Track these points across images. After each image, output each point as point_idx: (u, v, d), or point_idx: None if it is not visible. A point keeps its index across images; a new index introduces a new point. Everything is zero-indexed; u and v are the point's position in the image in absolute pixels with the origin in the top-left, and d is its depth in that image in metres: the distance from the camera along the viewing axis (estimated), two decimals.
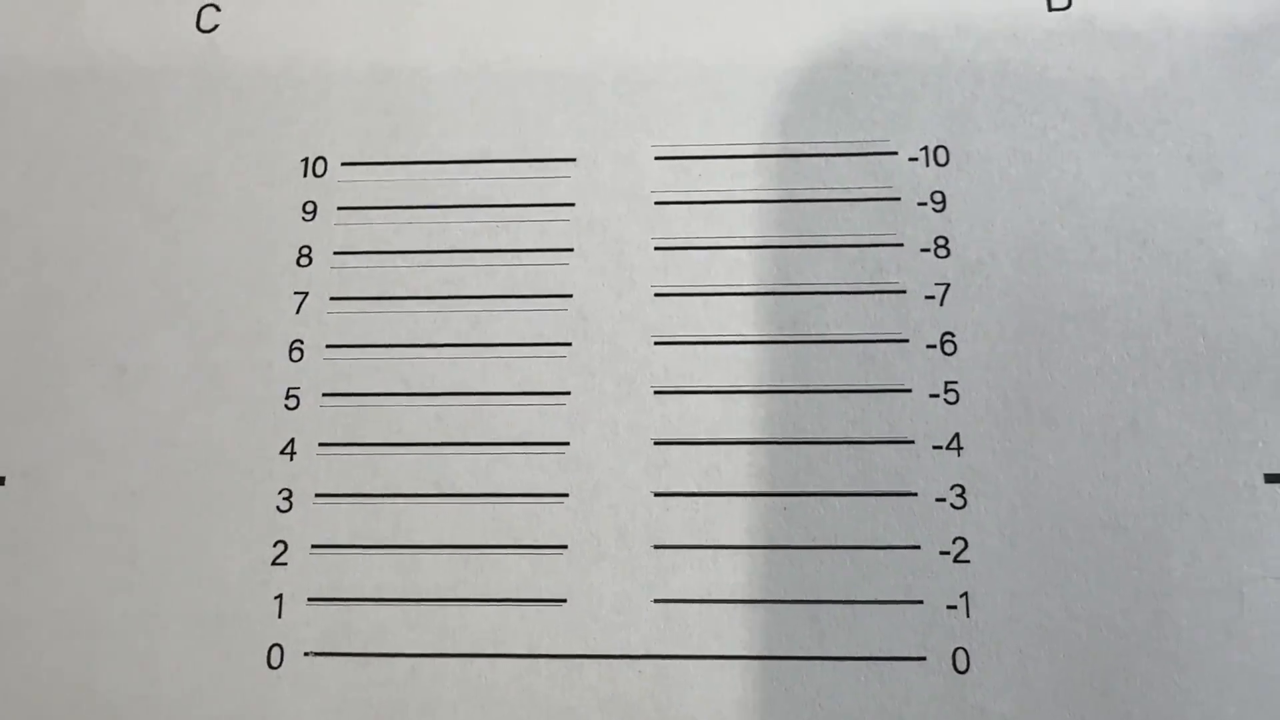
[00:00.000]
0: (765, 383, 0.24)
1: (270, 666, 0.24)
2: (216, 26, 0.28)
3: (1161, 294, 0.24)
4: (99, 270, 0.26)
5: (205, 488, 0.25)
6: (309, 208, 0.26)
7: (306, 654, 0.24)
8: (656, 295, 0.25)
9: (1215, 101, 0.25)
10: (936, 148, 0.26)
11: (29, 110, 0.27)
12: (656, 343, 0.25)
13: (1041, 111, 0.26)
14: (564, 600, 0.24)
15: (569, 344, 0.25)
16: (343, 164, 0.26)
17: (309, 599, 0.24)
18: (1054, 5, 0.26)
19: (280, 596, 0.24)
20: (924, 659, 0.23)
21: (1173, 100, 0.26)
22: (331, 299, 0.25)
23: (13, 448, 0.25)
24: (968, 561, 0.23)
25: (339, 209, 0.26)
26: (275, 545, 0.24)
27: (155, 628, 0.24)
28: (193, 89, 0.27)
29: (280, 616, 0.24)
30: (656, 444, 0.24)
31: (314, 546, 0.24)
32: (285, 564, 0.24)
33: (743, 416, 0.24)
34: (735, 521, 0.24)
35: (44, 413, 0.25)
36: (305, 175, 0.26)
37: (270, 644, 0.24)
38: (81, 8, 0.28)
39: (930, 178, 0.25)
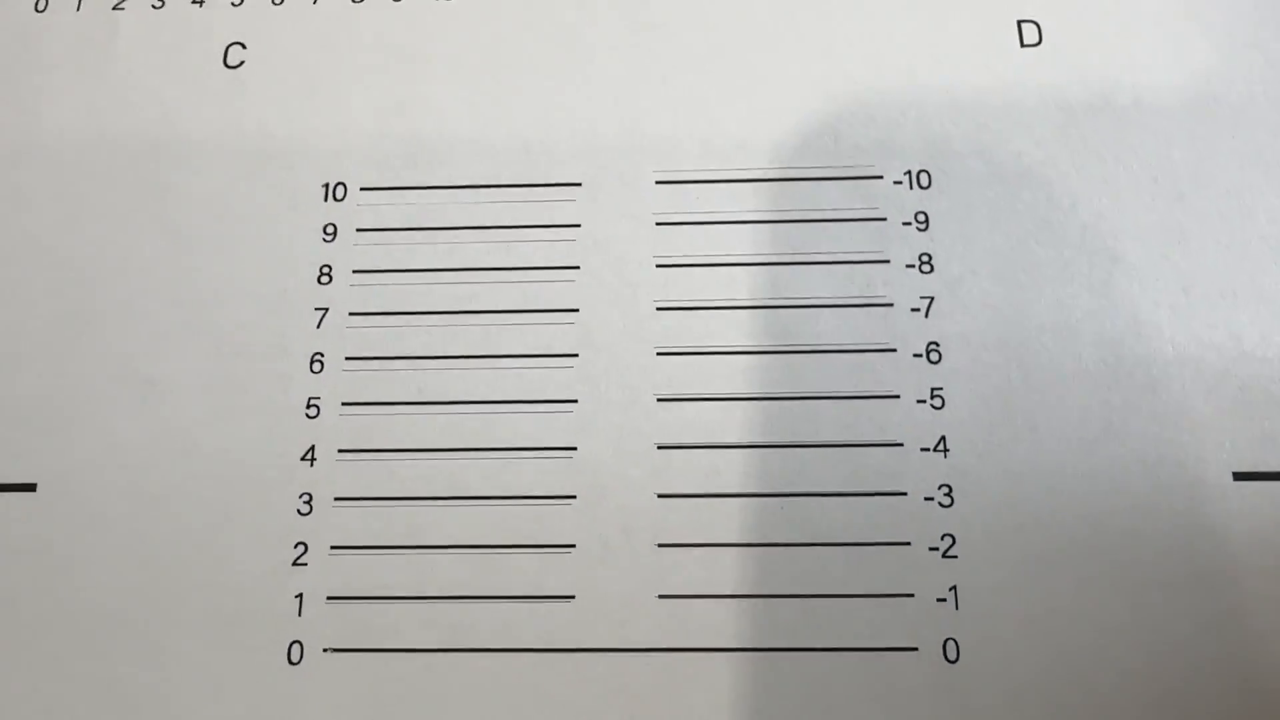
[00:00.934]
0: (761, 390, 0.26)
1: (290, 662, 0.25)
2: (242, 63, 0.29)
3: (1132, 306, 0.26)
4: (126, 290, 0.27)
5: (228, 493, 0.26)
6: (329, 229, 0.28)
7: (325, 650, 0.25)
8: (658, 309, 0.27)
9: (1176, 129, 0.27)
10: (919, 171, 0.27)
11: (60, 139, 0.29)
12: (658, 354, 0.26)
13: (1016, 138, 0.27)
14: (572, 597, 0.25)
15: (576, 355, 0.26)
16: (362, 189, 0.28)
17: (328, 597, 0.25)
18: (1025, 41, 0.28)
19: (300, 596, 0.25)
20: (916, 650, 0.24)
21: (1137, 128, 0.27)
22: (350, 314, 0.27)
23: (44, 457, 0.26)
24: (956, 557, 0.25)
25: (358, 230, 0.28)
26: (296, 547, 0.25)
27: (179, 626, 0.25)
28: (218, 120, 0.29)
29: (300, 614, 0.25)
30: (659, 448, 0.26)
31: (333, 548, 0.25)
32: (305, 564, 0.25)
33: (740, 422, 0.26)
34: (734, 521, 0.25)
35: (73, 424, 0.26)
36: (326, 199, 0.28)
37: (290, 641, 0.25)
38: (113, 43, 0.30)
39: (914, 199, 0.27)
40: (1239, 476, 0.25)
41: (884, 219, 0.27)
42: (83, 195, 0.28)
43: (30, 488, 0.26)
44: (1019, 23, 0.29)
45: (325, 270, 0.27)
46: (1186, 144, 0.27)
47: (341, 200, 0.28)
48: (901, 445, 0.25)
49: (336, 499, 0.26)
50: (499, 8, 0.29)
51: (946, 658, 0.24)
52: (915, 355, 0.26)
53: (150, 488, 0.26)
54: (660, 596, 0.25)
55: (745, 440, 0.26)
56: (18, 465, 0.26)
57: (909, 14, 0.29)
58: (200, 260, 0.28)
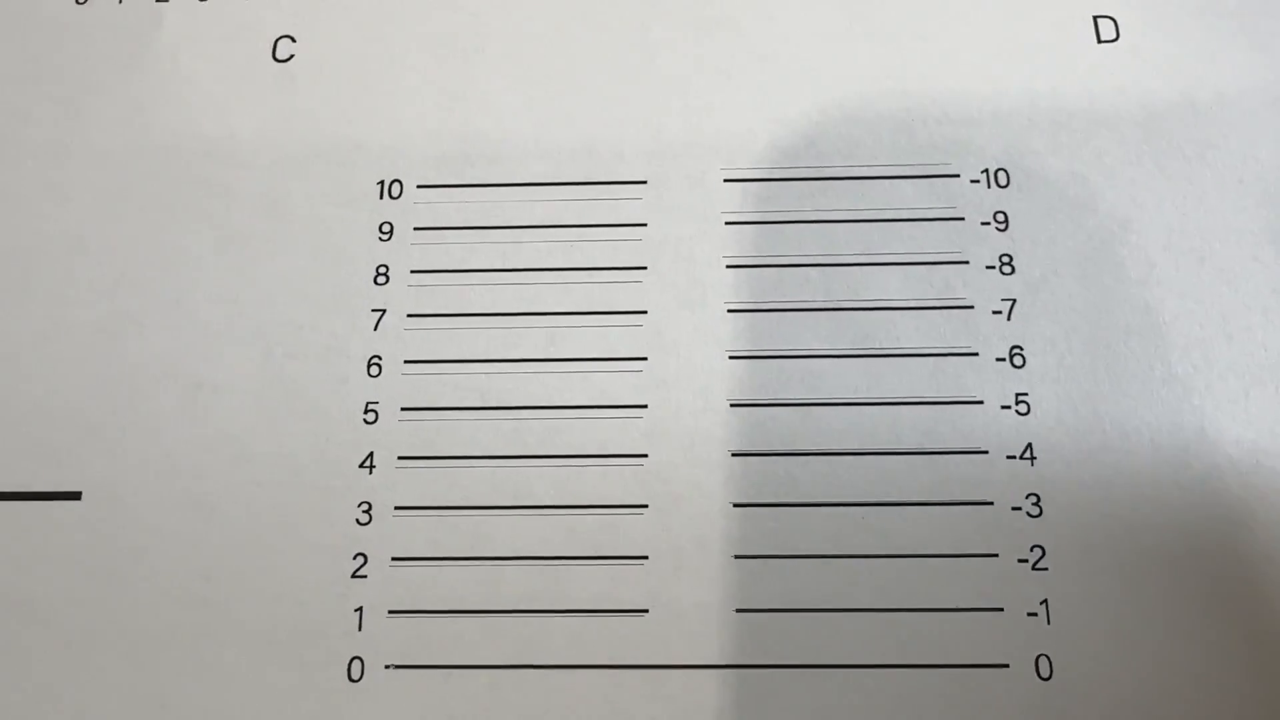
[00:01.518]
0: (839, 396, 0.25)
1: (350, 680, 0.24)
2: (292, 57, 0.29)
3: (1221, 308, 0.25)
4: (175, 292, 0.26)
5: (283, 502, 0.25)
6: (385, 228, 0.27)
7: (387, 667, 0.24)
8: (729, 311, 0.26)
9: (1262, 127, 0.26)
10: (997, 170, 0.26)
11: (107, 137, 0.28)
12: (731, 357, 0.25)
13: (1096, 136, 0.27)
14: (645, 610, 0.24)
15: (645, 359, 0.25)
16: (418, 186, 0.27)
17: (389, 611, 0.24)
18: (1102, 38, 0.28)
19: (360, 609, 0.24)
20: (1006, 666, 0.23)
21: (1221, 126, 0.27)
22: (409, 316, 0.26)
23: (90, 464, 0.25)
24: (1046, 569, 0.24)
25: (415, 229, 0.27)
26: (355, 558, 0.24)
27: (233, 641, 0.24)
28: (268, 116, 0.28)
29: (360, 629, 0.24)
30: (734, 455, 0.25)
31: (394, 559, 0.24)
32: (365, 576, 0.24)
33: (818, 428, 0.25)
34: (813, 531, 0.24)
35: (121, 429, 0.25)
36: (381, 197, 0.27)
37: (350, 657, 0.24)
38: (157, 36, 0.29)
39: (992, 199, 0.26)
40: None
41: (961, 218, 0.26)
42: (127, 193, 0.27)
43: (76, 496, 0.25)
44: (1095, 18, 0.28)
45: (381, 270, 0.26)
46: (1273, 143, 0.26)
47: (397, 198, 0.27)
48: (986, 453, 0.24)
49: (397, 508, 0.25)
50: None
51: (1039, 674, 0.23)
52: (998, 359, 0.25)
53: (201, 495, 0.25)
54: (737, 611, 0.24)
55: (823, 447, 0.25)
56: (62, 472, 0.25)
57: (982, 9, 0.28)
58: (251, 259, 0.27)
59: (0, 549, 0.25)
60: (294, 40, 0.29)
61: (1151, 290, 0.25)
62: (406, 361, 0.26)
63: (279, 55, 0.29)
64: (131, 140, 0.28)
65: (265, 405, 0.25)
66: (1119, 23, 0.28)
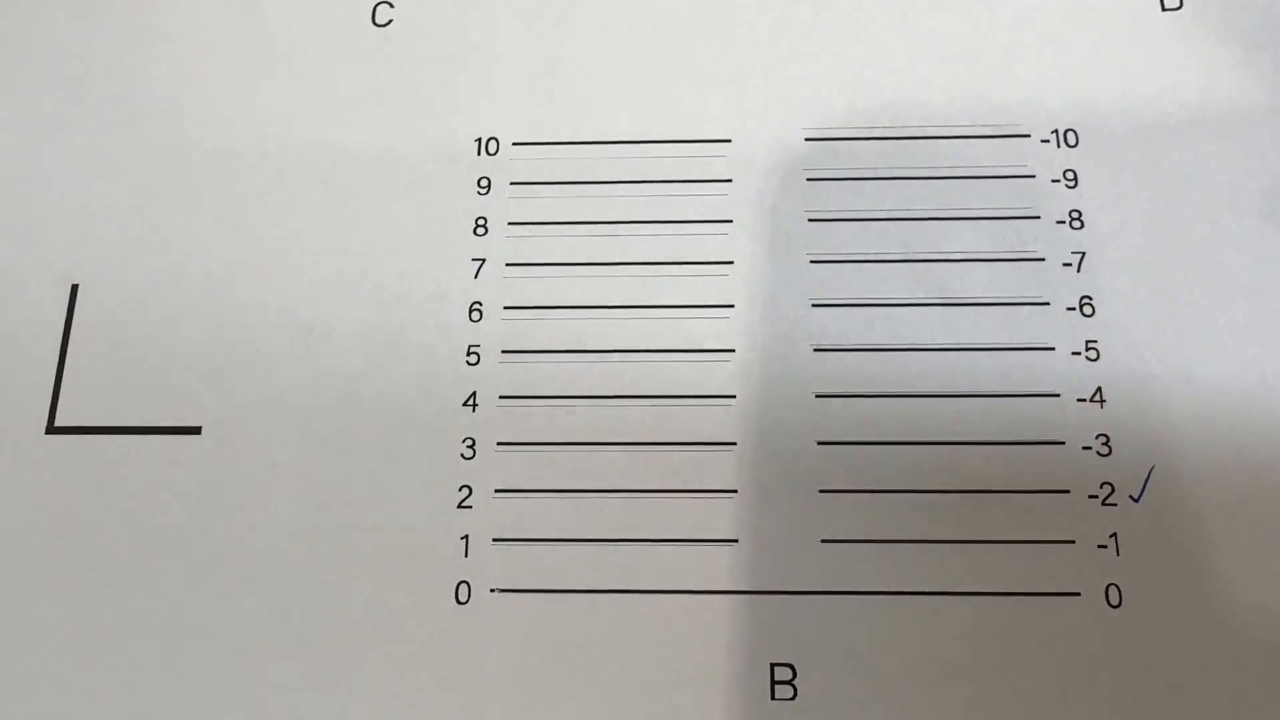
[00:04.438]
0: (917, 342, 0.26)
1: (458, 602, 0.25)
2: (390, 21, 0.30)
3: None
4: (285, 242, 0.28)
5: (391, 438, 0.26)
6: (483, 183, 0.28)
7: (492, 591, 0.25)
8: (812, 263, 0.27)
9: None
10: (1066, 130, 0.28)
11: (213, 97, 0.29)
12: (814, 304, 0.27)
13: (1160, 100, 0.28)
14: (735, 540, 0.25)
15: (731, 305, 0.27)
16: (514, 144, 0.28)
17: (493, 539, 0.25)
18: (1167, 6, 0.29)
19: (466, 537, 0.25)
20: (1078, 595, 0.24)
21: None
22: (507, 264, 0.27)
23: (208, 400, 0.27)
24: (1115, 505, 0.25)
25: (511, 184, 0.28)
26: (460, 489, 0.26)
27: (348, 567, 0.25)
28: (369, 78, 0.29)
29: (466, 556, 0.25)
30: (818, 397, 0.26)
31: (496, 491, 0.26)
32: (470, 507, 0.26)
33: (897, 373, 0.26)
34: (893, 468, 0.25)
35: (237, 369, 0.27)
36: (479, 154, 0.28)
37: (458, 581, 0.25)
38: (260, 3, 0.30)
39: (1062, 158, 0.27)
40: None
41: (1032, 176, 0.27)
42: (238, 150, 0.29)
43: (196, 430, 0.27)
44: None
45: (480, 222, 0.28)
46: None
47: (494, 155, 0.28)
48: (1058, 396, 0.26)
49: (499, 444, 0.26)
50: None
51: (1109, 603, 0.24)
52: (1069, 309, 0.26)
53: (314, 431, 0.26)
54: (823, 541, 0.25)
55: (902, 390, 0.26)
56: (184, 409, 0.27)
57: None
58: (354, 213, 0.28)
59: (126, 479, 0.26)
60: (392, 6, 0.30)
61: (1214, 245, 0.27)
62: (505, 307, 0.27)
63: (378, 20, 0.30)
64: (240, 101, 0.29)
65: (372, 347, 0.27)
66: None
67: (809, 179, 0.28)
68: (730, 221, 0.27)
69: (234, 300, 0.28)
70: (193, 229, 0.28)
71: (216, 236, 0.28)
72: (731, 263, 0.27)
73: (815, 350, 0.26)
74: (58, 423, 0.27)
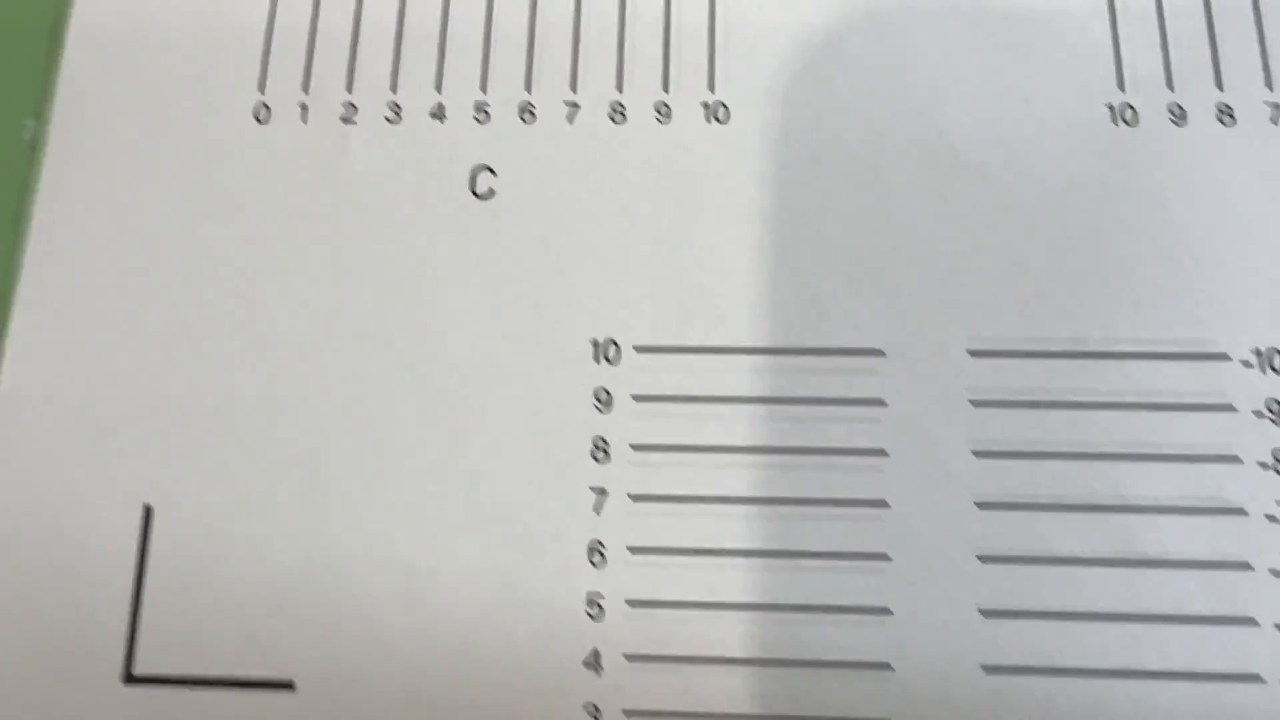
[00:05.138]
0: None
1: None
2: (492, 191, 0.26)
3: None
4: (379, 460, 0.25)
5: (509, 702, 0.24)
6: (602, 395, 0.25)
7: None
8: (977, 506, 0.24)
9: None
10: (1270, 350, 0.24)
11: (294, 260, 0.26)
12: (980, 559, 0.24)
13: None
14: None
15: (889, 558, 0.24)
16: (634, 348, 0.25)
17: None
18: None
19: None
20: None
21: None
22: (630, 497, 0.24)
23: (304, 652, 0.24)
24: None
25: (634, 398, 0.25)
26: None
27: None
28: (468, 255, 0.26)
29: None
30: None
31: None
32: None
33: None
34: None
35: (333, 615, 0.24)
36: (597, 361, 0.25)
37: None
38: (344, 160, 0.27)
39: (1267, 385, 0.24)
40: None
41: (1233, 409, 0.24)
42: (318, 332, 0.26)
43: (289, 685, 0.24)
44: None
45: (600, 444, 0.25)
46: None
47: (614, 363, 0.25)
48: (1263, 681, 0.23)
49: (624, 711, 0.23)
50: (787, 134, 0.26)
51: None
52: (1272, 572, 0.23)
53: (418, 690, 0.24)
54: (982, 612, 0.23)
55: (1078, 665, 0.23)
56: (274, 658, 0.24)
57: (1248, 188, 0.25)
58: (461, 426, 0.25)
59: None
60: (494, 174, 0.27)
61: None
62: (630, 551, 0.24)
63: (478, 190, 0.27)
64: (317, 262, 0.26)
65: (484, 593, 0.24)
66: None
67: (971, 401, 0.24)
68: (884, 454, 0.24)
69: (324, 532, 0.25)
70: (275, 439, 0.25)
71: (299, 451, 0.25)
72: (886, 504, 0.24)
73: (981, 613, 0.23)
74: (135, 671, 0.24)
